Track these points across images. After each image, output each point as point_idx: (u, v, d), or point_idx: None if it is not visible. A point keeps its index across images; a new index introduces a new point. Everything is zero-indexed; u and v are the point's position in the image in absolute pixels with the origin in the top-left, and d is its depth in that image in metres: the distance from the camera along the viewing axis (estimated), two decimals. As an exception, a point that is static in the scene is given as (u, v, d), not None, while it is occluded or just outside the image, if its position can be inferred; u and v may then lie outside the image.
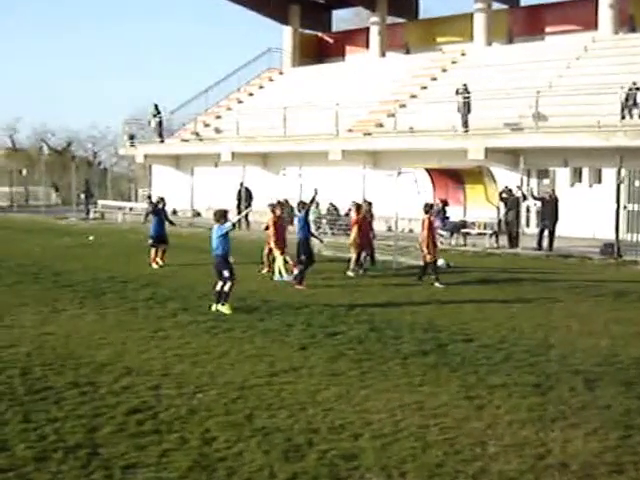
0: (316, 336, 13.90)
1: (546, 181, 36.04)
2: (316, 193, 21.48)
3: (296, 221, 21.61)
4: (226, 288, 16.29)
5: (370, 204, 24.59)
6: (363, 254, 22.97)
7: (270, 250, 22.27)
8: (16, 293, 18.66)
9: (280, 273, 21.35)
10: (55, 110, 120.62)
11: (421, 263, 23.95)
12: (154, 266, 23.66)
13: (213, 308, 16.26)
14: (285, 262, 21.54)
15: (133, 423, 9.18)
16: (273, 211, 22.13)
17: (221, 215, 16.59)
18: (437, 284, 20.52)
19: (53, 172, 71.19)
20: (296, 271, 20.46)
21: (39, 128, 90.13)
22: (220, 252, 16.41)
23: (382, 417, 9.46)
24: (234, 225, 16.82)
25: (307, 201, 21.67)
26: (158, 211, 25.48)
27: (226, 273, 16.30)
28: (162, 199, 26.24)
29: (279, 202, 22.99)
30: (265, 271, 22.51)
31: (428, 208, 21.41)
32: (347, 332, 14.26)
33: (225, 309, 16.08)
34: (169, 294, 18.25)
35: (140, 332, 14.18)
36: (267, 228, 22.16)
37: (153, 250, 24.13)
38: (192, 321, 15.25)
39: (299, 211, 21.30)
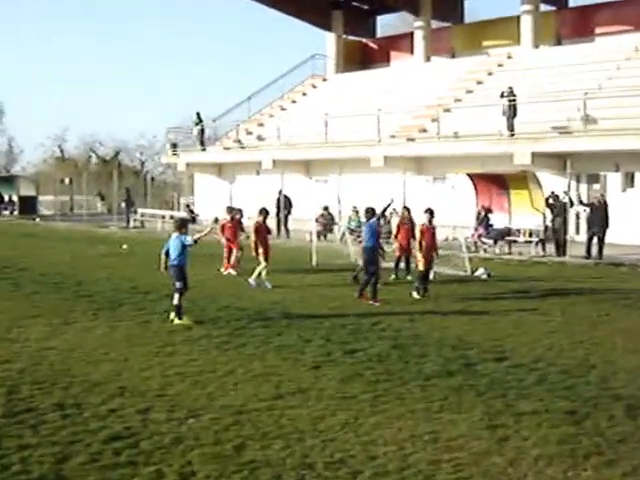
0: (333, 353, 12.76)
1: (596, 186, 34.60)
2: (392, 201, 20.29)
3: (364, 229, 19.72)
4: (175, 300, 15.45)
5: (409, 210, 23.31)
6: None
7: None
8: (31, 303, 17.90)
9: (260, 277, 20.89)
10: (104, 120, 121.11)
11: (461, 273, 22.89)
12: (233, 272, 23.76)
13: (176, 322, 15.42)
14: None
15: (109, 453, 8.18)
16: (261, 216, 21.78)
17: (181, 224, 15.87)
18: (415, 293, 19.33)
19: (100, 181, 70.96)
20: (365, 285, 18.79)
21: (87, 138, 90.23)
22: (177, 262, 15.50)
23: (389, 450, 8.30)
24: (195, 242, 15.64)
25: (380, 208, 20.10)
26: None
27: (178, 284, 15.47)
28: (239, 210, 26.29)
29: (264, 208, 22.17)
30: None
31: (429, 214, 20.01)
32: (368, 349, 13.10)
33: (183, 321, 15.34)
34: (188, 306, 17.11)
35: (146, 347, 13.19)
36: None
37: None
38: (205, 335, 14.21)
39: (368, 219, 19.33)
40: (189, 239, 15.44)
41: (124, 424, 9.08)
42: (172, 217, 47.34)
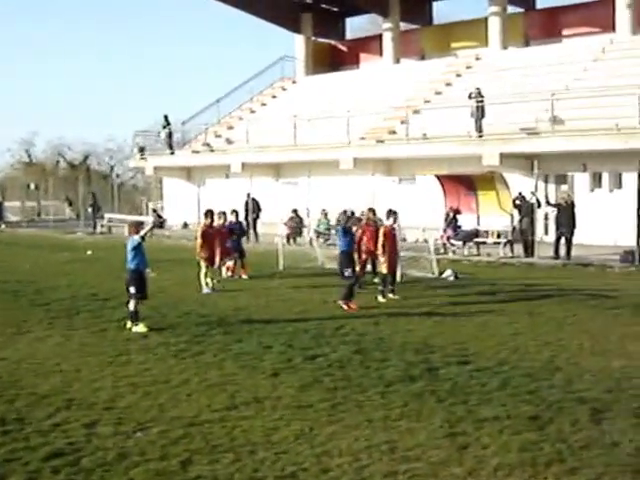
0: (293, 360, 12.36)
1: (564, 187, 34.36)
2: (352, 214, 19.91)
3: (338, 233, 19.66)
4: (130, 306, 15.09)
5: (374, 212, 22.91)
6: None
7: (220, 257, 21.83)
8: (-15, 313, 17.28)
9: (207, 284, 20.64)
10: (73, 124, 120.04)
11: (428, 275, 22.59)
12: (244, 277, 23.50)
13: (133, 329, 15.00)
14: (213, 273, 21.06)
15: (48, 471, 7.76)
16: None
17: (135, 227, 15.59)
18: (380, 297, 18.94)
19: (68, 186, 70.18)
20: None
21: (56, 142, 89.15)
22: (133, 266, 15.13)
23: (344, 462, 7.91)
24: (143, 238, 15.24)
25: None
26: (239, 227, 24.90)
27: (132, 289, 15.07)
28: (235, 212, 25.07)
29: (210, 210, 21.75)
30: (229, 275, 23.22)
31: (391, 214, 19.68)
32: (329, 355, 12.71)
33: (139, 328, 14.88)
34: (147, 312, 16.67)
35: (100, 357, 12.74)
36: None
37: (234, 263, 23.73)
38: (162, 343, 13.77)
39: (339, 221, 19.34)
40: (136, 237, 15.10)
41: (67, 439, 8.65)
42: (141, 222, 46.98)
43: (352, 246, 18.74)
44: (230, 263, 23.29)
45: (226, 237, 22.57)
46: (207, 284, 20.55)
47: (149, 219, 44.77)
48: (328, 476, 7.57)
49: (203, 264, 20.70)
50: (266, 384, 10.90)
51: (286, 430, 8.88)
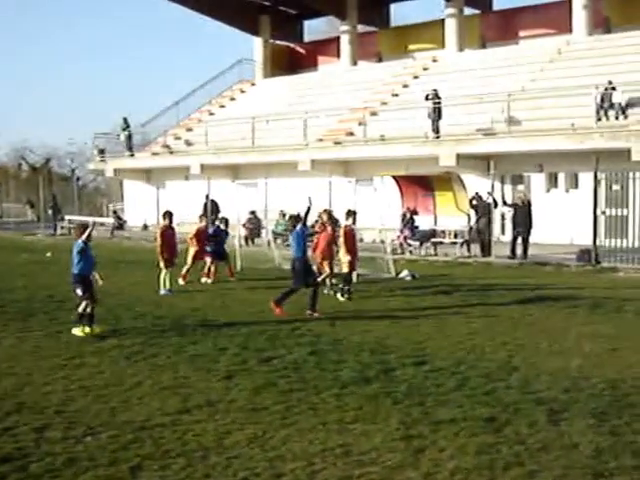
0: (248, 362, 12.06)
1: (521, 187, 34.43)
2: (311, 204, 18.02)
3: (291, 238, 17.88)
4: (80, 309, 14.43)
5: (329, 213, 22.64)
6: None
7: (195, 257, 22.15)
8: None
9: (164, 285, 20.20)
10: (35, 128, 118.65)
11: (385, 275, 22.42)
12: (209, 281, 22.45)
13: (77, 332, 14.36)
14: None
15: (-7, 479, 7.38)
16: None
17: (81, 230, 14.72)
18: (339, 296, 18.79)
19: (30, 189, 69.29)
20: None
21: (18, 144, 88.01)
22: (76, 270, 14.43)
23: (297, 466, 7.64)
24: (85, 243, 14.44)
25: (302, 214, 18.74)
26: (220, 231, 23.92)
27: (79, 292, 14.45)
28: (225, 220, 24.38)
29: (168, 211, 21.37)
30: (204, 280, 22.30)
31: (350, 214, 19.55)
32: (285, 356, 12.42)
33: (78, 331, 14.28)
34: (104, 314, 16.29)
35: (53, 359, 12.36)
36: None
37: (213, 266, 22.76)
38: (116, 345, 13.42)
39: (294, 226, 17.39)
40: (79, 242, 14.45)
41: (16, 444, 8.31)
42: (102, 224, 46.46)
43: (305, 252, 17.26)
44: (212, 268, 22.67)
45: (204, 240, 22.48)
46: (165, 285, 20.11)
47: (109, 220, 44.43)
48: (281, 481, 7.32)
49: (162, 265, 20.31)
50: (220, 387, 10.61)
51: (239, 434, 8.61)
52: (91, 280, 14.65)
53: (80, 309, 14.44)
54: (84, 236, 14.44)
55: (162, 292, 19.95)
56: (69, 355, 12.66)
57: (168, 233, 20.81)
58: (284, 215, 35.15)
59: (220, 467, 7.64)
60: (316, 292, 16.76)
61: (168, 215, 21.12)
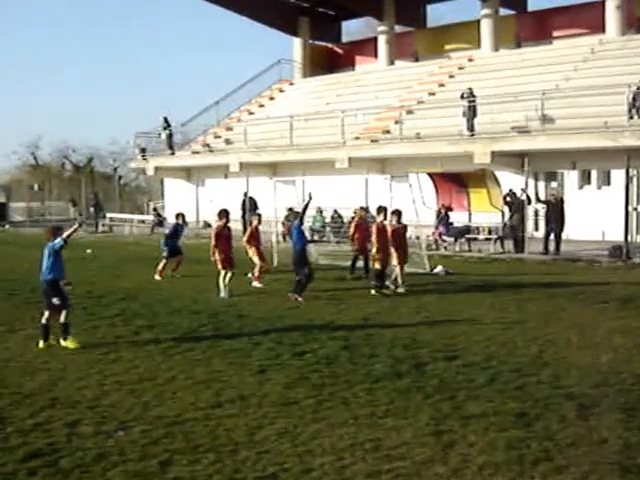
0: (281, 356, 11.92)
1: (554, 184, 34.06)
2: (310, 198, 19.07)
3: (292, 232, 19.27)
4: (62, 318, 13.02)
5: (366, 209, 22.53)
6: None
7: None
8: (-20, 310, 16.78)
9: (225, 287, 18.73)
10: (78, 128, 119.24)
11: (420, 271, 22.20)
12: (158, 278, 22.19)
13: (70, 344, 12.95)
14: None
15: (24, 473, 7.32)
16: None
17: (52, 232, 13.27)
18: (373, 291, 18.72)
19: (72, 187, 69.74)
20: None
21: (61, 145, 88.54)
22: (48, 277, 13.11)
23: (326, 461, 7.48)
24: (65, 241, 13.03)
25: (301, 208, 19.47)
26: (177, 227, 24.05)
27: (56, 301, 13.03)
28: (182, 215, 24.42)
29: (224, 210, 19.64)
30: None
31: (381, 211, 19.46)
32: (317, 351, 12.27)
33: (69, 343, 12.91)
34: (139, 310, 16.34)
35: (89, 354, 12.29)
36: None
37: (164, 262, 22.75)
38: (151, 340, 13.33)
39: (293, 220, 18.85)
40: (58, 241, 12.98)
41: (48, 439, 8.21)
42: (143, 222, 46.61)
43: (304, 244, 18.72)
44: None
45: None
46: (225, 287, 18.63)
47: (150, 217, 44.54)
48: (309, 476, 7.16)
49: (220, 266, 18.89)
50: (252, 381, 10.48)
51: (270, 428, 8.46)
52: (60, 286, 13.39)
53: (62, 318, 13.08)
54: (65, 234, 13.22)
55: (222, 295, 18.47)
56: (104, 350, 12.58)
57: (224, 234, 19.17)
58: (321, 212, 35.06)
59: (249, 462, 7.50)
60: (307, 280, 18.05)
61: (225, 214, 19.43)
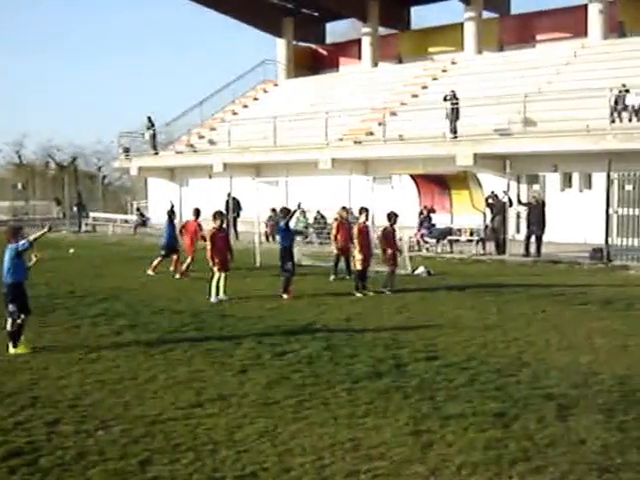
0: (262, 356, 11.93)
1: (536, 186, 34.15)
2: (299, 207, 19.79)
3: (278, 231, 19.95)
4: (8, 326, 12.51)
5: (347, 210, 22.55)
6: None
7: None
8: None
9: (217, 292, 18.19)
10: (62, 127, 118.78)
11: (401, 272, 22.22)
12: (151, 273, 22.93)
13: (11, 351, 12.43)
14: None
15: (3, 472, 7.32)
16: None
17: (12, 233, 12.62)
18: (356, 293, 18.81)
19: (57, 186, 69.43)
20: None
21: (45, 144, 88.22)
22: (9, 280, 12.46)
23: (306, 461, 7.49)
24: (31, 244, 12.51)
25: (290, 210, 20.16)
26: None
27: (11, 307, 12.44)
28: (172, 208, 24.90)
29: (219, 212, 19.34)
30: None
31: (363, 212, 19.69)
32: (299, 351, 12.28)
33: (20, 350, 12.40)
34: (121, 309, 16.32)
35: (70, 354, 12.26)
36: (204, 239, 19.94)
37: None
38: (133, 340, 13.32)
39: (284, 217, 19.72)
40: (22, 242, 12.45)
41: (28, 438, 8.20)
42: (126, 221, 46.46)
43: (291, 241, 19.61)
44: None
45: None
46: (217, 291, 18.10)
47: (133, 217, 44.42)
48: (289, 476, 7.17)
49: (215, 269, 18.28)
50: (233, 381, 10.48)
51: (250, 428, 8.47)
52: (25, 288, 12.91)
53: (9, 326, 12.57)
54: (31, 237, 12.71)
55: (212, 299, 17.87)
56: (86, 349, 12.55)
57: (219, 236, 18.60)
58: (304, 213, 35.04)
59: (229, 461, 7.51)
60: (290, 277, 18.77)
61: (220, 215, 18.98)
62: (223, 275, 18.27)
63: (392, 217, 19.49)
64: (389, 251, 19.32)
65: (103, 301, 17.64)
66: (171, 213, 24.68)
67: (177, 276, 22.72)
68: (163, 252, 23.57)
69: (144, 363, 11.60)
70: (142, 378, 10.65)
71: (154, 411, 9.11)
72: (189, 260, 22.98)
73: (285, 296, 18.34)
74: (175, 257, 23.55)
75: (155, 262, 23.32)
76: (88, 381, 10.52)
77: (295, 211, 19.66)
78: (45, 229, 13.30)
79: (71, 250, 30.41)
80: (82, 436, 8.26)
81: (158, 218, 46.94)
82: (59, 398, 9.71)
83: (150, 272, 22.99)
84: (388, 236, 19.38)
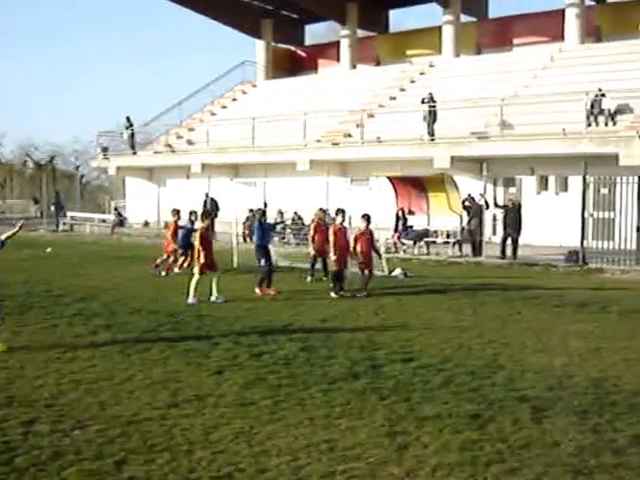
0: (239, 357, 11.89)
1: (512, 189, 34.32)
2: (265, 206, 19.96)
3: (255, 229, 20.44)
4: None
5: (324, 212, 22.52)
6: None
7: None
8: None
9: (195, 294, 17.71)
10: (41, 126, 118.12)
11: (378, 273, 22.24)
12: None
13: None
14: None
15: (-22, 472, 7.21)
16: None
17: None
18: (332, 294, 18.75)
19: (35, 185, 69.13)
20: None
21: (23, 142, 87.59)
22: None
23: (282, 461, 7.47)
24: (3, 243, 12.45)
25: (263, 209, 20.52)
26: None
27: None
28: (195, 212, 23.95)
29: (207, 211, 19.93)
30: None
31: (340, 213, 19.72)
32: (275, 352, 12.25)
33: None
34: (99, 309, 16.23)
35: (47, 353, 12.16)
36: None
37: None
38: (109, 339, 13.25)
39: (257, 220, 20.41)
40: None
41: (3, 437, 8.12)
42: (104, 221, 46.32)
43: (266, 240, 20.18)
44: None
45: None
46: (195, 293, 17.61)
47: (111, 217, 44.22)
48: (265, 476, 7.14)
49: (196, 270, 17.86)
50: (210, 382, 10.43)
51: (226, 429, 8.44)
52: None
53: None
54: (2, 237, 12.53)
55: (190, 301, 17.41)
56: (62, 349, 12.46)
57: (207, 236, 18.20)
58: (282, 214, 35.00)
59: (205, 462, 7.47)
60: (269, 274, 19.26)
61: (208, 215, 19.10)
62: (216, 275, 18.01)
63: (340, 213, 19.60)
64: (365, 253, 19.17)
65: (80, 301, 17.54)
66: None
67: (176, 270, 23.21)
68: (180, 251, 23.49)
69: (120, 363, 11.54)
70: (118, 378, 10.59)
71: (130, 411, 9.06)
72: (165, 257, 23.25)
73: (257, 291, 18.99)
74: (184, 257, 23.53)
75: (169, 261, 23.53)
76: (64, 381, 10.45)
77: (264, 210, 20.15)
78: (17, 228, 13.18)
79: (48, 249, 30.49)
80: (58, 436, 8.20)
81: (136, 218, 47.03)
82: (35, 398, 9.63)
83: (177, 270, 23.25)
84: (364, 238, 19.18)
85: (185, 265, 23.18)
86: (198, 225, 20.11)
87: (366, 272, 19.27)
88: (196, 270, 17.94)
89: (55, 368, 11.18)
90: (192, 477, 7.11)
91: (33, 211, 63.43)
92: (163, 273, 22.80)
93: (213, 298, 17.80)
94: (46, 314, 15.79)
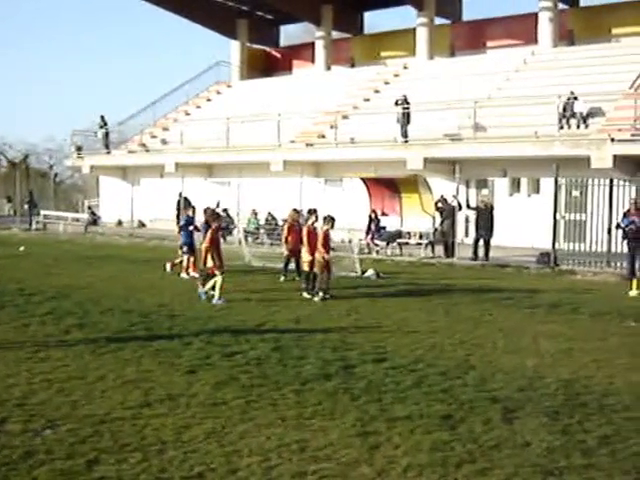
0: (211, 357, 11.85)
1: (485, 191, 34.43)
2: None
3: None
4: None
5: (298, 212, 22.52)
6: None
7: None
8: None
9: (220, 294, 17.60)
10: (14, 124, 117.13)
11: (351, 274, 22.29)
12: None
13: None
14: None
15: (-52, 472, 7.14)
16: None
17: None
18: (305, 294, 18.71)
19: (8, 184, 68.60)
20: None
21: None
22: None
23: (253, 461, 7.45)
24: None
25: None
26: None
27: None
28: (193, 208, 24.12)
29: (217, 212, 19.90)
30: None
31: (312, 214, 19.73)
32: (247, 352, 12.22)
33: None
34: (71, 308, 16.13)
35: (18, 352, 12.07)
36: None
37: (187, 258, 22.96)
38: (81, 339, 13.16)
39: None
40: None
41: (-26, 437, 8.08)
42: (78, 220, 46.10)
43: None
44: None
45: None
46: (220, 293, 17.53)
47: (84, 216, 44.06)
48: (236, 476, 7.12)
49: (217, 271, 17.79)
50: (182, 381, 10.39)
51: (198, 428, 8.41)
52: None
53: None
54: None
55: (218, 301, 17.38)
56: (34, 348, 12.36)
57: (218, 236, 18.33)
58: (256, 214, 34.98)
59: (176, 461, 7.44)
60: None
61: (217, 215, 19.18)
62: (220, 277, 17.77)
63: (329, 220, 19.10)
64: (325, 255, 18.86)
65: (52, 299, 17.42)
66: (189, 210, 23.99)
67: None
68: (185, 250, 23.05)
69: (93, 362, 11.47)
70: (90, 377, 10.52)
71: (102, 410, 9.00)
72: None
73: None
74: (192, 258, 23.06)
75: (177, 261, 23.37)
76: (36, 380, 10.37)
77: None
78: None
79: (21, 248, 30.30)
80: (29, 435, 8.13)
81: (109, 217, 46.84)
82: (6, 397, 9.55)
83: (192, 272, 22.52)
84: (325, 239, 19.00)
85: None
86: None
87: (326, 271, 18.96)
88: (217, 271, 17.78)
89: (27, 367, 11.09)
90: (163, 477, 7.08)
91: (6, 209, 62.96)
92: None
93: (203, 296, 17.99)
94: (18, 313, 15.67)
